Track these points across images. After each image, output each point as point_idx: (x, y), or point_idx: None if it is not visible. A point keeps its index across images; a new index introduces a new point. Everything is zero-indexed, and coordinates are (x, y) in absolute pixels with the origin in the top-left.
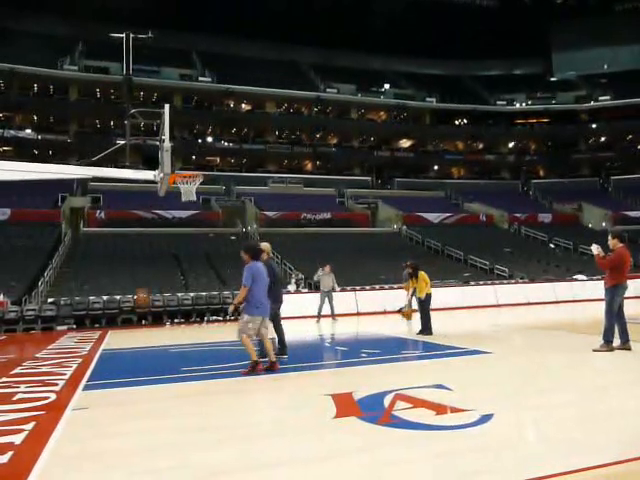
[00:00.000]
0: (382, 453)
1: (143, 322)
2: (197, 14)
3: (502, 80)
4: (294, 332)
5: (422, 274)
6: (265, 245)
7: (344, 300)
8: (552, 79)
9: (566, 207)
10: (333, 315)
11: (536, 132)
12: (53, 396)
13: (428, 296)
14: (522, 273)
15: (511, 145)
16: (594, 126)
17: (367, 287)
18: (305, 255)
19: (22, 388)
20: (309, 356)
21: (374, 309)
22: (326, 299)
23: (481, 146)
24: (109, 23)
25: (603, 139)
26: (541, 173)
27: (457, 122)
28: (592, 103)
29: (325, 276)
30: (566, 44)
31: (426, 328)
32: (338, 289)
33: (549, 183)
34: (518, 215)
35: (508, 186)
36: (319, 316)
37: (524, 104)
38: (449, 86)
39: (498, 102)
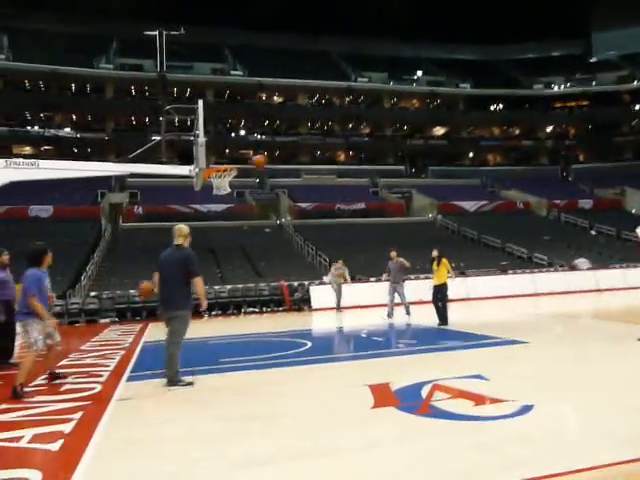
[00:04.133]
0: (421, 443)
1: None
2: (227, 8)
3: (539, 63)
4: (332, 323)
5: (445, 261)
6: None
7: (379, 291)
8: (592, 60)
9: (608, 192)
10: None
11: (576, 115)
12: (99, 387)
13: (446, 285)
14: (562, 261)
15: (549, 130)
16: (637, 107)
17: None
18: (340, 246)
19: (69, 379)
20: (345, 347)
21: (410, 299)
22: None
23: (518, 132)
24: (141, 20)
25: None
26: (581, 158)
27: (492, 108)
28: (635, 83)
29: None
30: (606, 23)
31: (442, 317)
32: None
33: (590, 168)
34: (557, 201)
35: (546, 172)
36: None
37: (562, 87)
38: (483, 71)
39: (535, 86)
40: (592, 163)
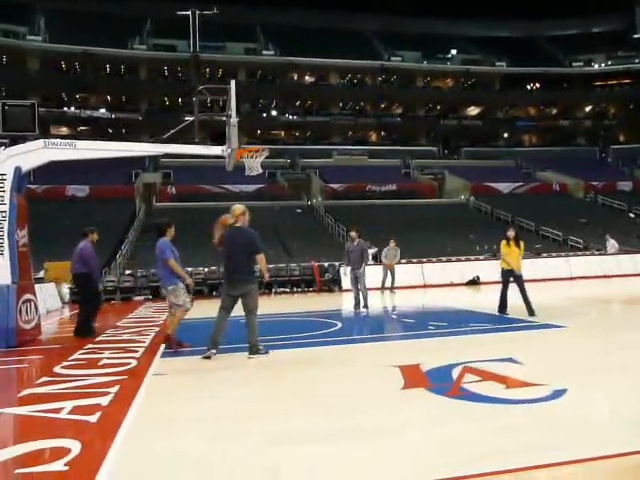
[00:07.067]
0: (451, 425)
1: (214, 293)
2: None
3: (579, 40)
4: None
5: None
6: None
7: (410, 272)
8: (635, 36)
9: None
10: (392, 287)
11: (617, 94)
12: (134, 362)
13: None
14: (598, 244)
15: (588, 109)
16: None
17: (433, 259)
18: (371, 227)
19: (106, 354)
20: (376, 328)
21: (441, 281)
22: (388, 272)
23: (555, 111)
24: (174, 0)
25: None
26: (621, 138)
27: (529, 87)
28: None
29: (391, 250)
30: None
31: (506, 306)
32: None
33: (630, 149)
34: (595, 183)
35: (584, 153)
36: (382, 288)
37: (603, 65)
38: (520, 49)
39: (574, 64)
40: (632, 144)
